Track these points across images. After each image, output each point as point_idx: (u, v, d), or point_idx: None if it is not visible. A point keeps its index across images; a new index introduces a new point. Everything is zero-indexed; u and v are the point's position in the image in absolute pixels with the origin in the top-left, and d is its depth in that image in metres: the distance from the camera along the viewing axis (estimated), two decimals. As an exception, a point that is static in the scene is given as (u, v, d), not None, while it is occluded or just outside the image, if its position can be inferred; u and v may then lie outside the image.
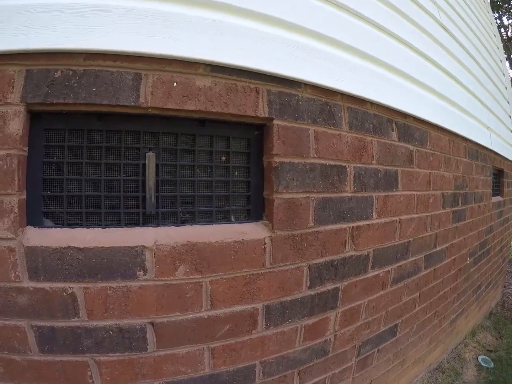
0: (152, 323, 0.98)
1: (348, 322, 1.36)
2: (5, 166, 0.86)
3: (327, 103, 1.21)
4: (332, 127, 1.22)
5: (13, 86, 0.85)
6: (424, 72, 1.72)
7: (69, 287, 0.91)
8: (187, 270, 0.98)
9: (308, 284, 1.18)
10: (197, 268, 0.99)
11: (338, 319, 1.31)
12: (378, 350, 1.59)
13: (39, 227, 0.94)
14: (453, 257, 2.14)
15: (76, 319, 0.93)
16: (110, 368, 0.98)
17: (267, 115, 1.07)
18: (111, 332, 0.96)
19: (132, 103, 0.92)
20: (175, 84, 0.95)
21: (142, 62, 0.92)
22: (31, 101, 0.86)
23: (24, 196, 0.92)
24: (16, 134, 0.85)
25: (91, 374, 0.97)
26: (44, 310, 0.91)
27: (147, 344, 0.99)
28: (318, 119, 1.19)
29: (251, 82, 1.05)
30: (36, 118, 0.93)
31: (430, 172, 1.80)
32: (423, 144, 1.76)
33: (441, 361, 2.27)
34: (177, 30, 0.92)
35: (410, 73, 1.60)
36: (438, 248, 1.91)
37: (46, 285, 0.90)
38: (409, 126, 1.64)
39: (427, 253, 1.80)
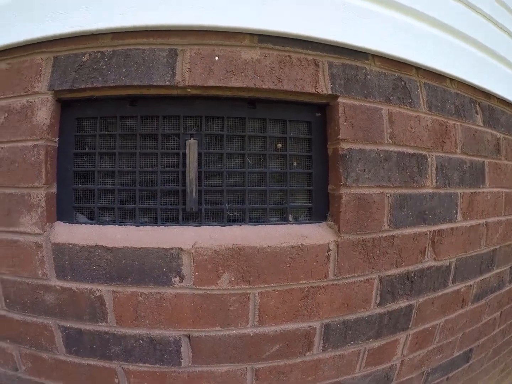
0: (188, 336, 0.80)
1: (419, 346, 1.06)
2: (32, 158, 0.77)
3: (400, 78, 0.92)
4: (408, 107, 0.93)
5: (40, 75, 0.79)
6: (509, 48, 1.33)
7: (97, 289, 0.78)
8: (232, 279, 0.76)
9: (378, 301, 0.90)
10: (244, 277, 0.77)
11: (408, 343, 1.02)
12: (447, 378, 1.26)
13: (69, 223, 0.82)
14: (540, 269, 1.71)
15: (104, 324, 0.80)
16: (139, 378, 0.84)
17: (330, 92, 0.82)
18: (141, 342, 0.81)
19: (167, 82, 0.75)
20: (216, 58, 0.76)
21: (178, 37, 0.76)
22: (59, 88, 0.77)
23: (54, 190, 0.82)
24: (44, 124, 0.77)
25: (119, 382, 0.84)
26: (71, 311, 0.80)
27: (181, 358, 0.81)
28: (392, 97, 0.90)
29: (308, 53, 0.81)
30: (66, 107, 0.83)
31: (519, 165, 1.40)
32: (510, 131, 1.37)
33: (513, 388, 1.86)
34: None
35: (493, 47, 1.23)
36: (525, 258, 1.50)
37: (73, 285, 0.79)
38: (494, 109, 1.27)
39: (513, 264, 1.42)
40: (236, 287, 0.77)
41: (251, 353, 0.82)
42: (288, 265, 0.78)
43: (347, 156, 0.82)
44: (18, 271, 0.81)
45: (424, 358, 1.11)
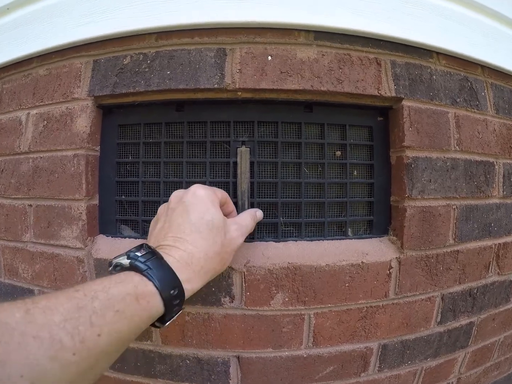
0: (238, 357, 0.75)
1: (477, 363, 0.99)
2: (72, 168, 0.74)
3: (466, 78, 0.83)
4: (475, 110, 0.83)
5: (79, 80, 0.75)
6: None
7: (141, 307, 0.73)
8: (286, 299, 0.71)
9: (439, 319, 0.83)
10: (299, 298, 0.71)
11: (466, 360, 0.95)
12: (502, 392, 1.19)
13: (112, 237, 0.78)
14: None
15: (148, 342, 0.76)
16: (185, 397, 0.79)
17: (393, 94, 0.73)
18: (187, 361, 0.76)
19: (216, 85, 0.68)
20: (269, 58, 0.69)
21: (226, 35, 0.69)
22: (99, 93, 0.73)
23: (95, 202, 0.78)
24: (84, 132, 0.74)
25: (164, 400, 0.80)
26: (115, 328, 0.75)
27: (230, 379, 0.77)
28: (458, 99, 0.80)
29: (369, 51, 0.73)
30: (108, 113, 0.78)
31: None
32: None
33: None
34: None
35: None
36: None
37: (117, 303, 0.73)
38: None
39: None
40: (290, 307, 0.72)
41: (303, 375, 0.77)
42: (347, 285, 0.72)
43: (413, 165, 0.74)
44: (60, 285, 0.79)
45: (481, 375, 1.04)
